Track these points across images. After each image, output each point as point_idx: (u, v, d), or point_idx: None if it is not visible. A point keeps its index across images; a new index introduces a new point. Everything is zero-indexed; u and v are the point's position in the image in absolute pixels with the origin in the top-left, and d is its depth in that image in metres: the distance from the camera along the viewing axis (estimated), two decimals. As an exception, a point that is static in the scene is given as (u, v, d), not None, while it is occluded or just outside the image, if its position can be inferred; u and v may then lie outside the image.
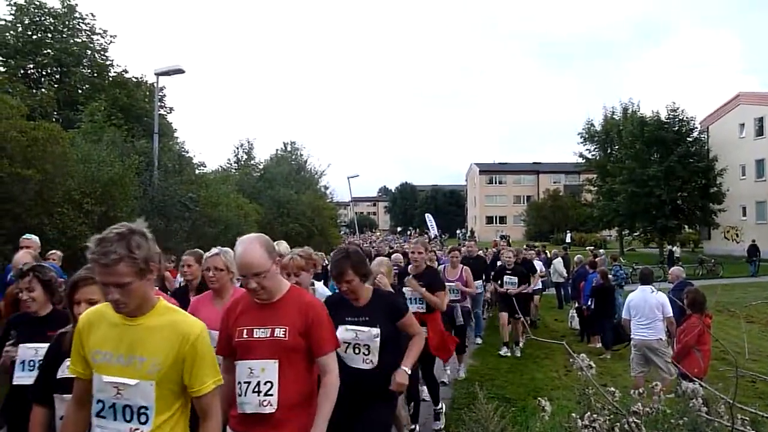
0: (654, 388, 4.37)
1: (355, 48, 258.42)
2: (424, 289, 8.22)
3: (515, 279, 14.27)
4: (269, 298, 4.00)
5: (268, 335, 3.93)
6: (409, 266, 9.27)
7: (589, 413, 4.33)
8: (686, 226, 51.24)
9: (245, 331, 3.97)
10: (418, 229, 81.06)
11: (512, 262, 14.68)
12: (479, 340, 15.50)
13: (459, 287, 11.41)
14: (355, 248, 5.23)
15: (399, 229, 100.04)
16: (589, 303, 15.61)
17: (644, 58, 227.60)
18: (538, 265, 19.77)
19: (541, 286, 19.68)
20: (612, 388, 4.38)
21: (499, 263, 15.49)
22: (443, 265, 12.54)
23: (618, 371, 12.17)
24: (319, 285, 7.04)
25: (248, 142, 40.85)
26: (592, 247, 36.92)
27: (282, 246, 7.50)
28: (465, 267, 11.94)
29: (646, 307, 10.19)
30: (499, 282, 14.55)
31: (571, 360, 4.70)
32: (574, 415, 4.46)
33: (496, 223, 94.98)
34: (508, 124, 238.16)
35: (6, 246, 11.11)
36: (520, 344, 14.56)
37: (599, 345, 15.10)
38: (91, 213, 15.28)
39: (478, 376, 11.52)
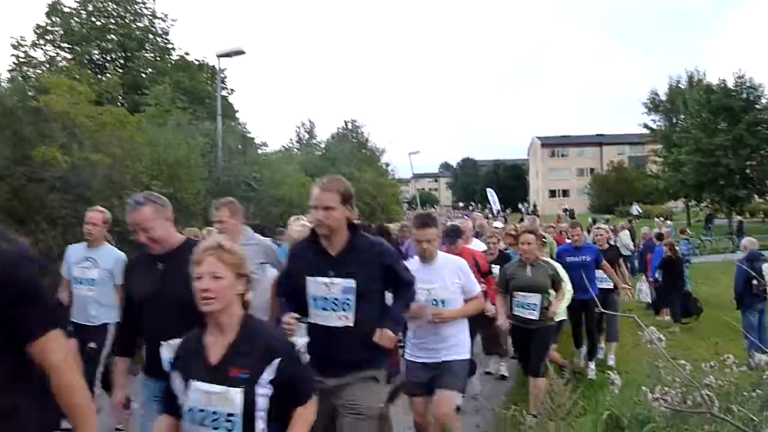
0: (726, 361, 4.32)
1: (414, 24, 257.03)
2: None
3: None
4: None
5: None
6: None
7: (659, 386, 4.30)
8: (756, 196, 49.90)
9: None
10: (479, 205, 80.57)
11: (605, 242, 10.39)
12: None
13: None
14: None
15: (461, 204, 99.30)
16: (657, 275, 15.39)
17: (712, 29, 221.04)
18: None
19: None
20: (682, 361, 4.35)
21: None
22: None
23: (687, 344, 11.94)
24: None
25: (309, 121, 41.32)
26: (661, 219, 36.22)
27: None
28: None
29: None
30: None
31: (639, 333, 4.67)
32: (644, 388, 4.44)
33: (559, 196, 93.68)
34: (570, 96, 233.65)
35: (78, 228, 11.40)
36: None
37: (668, 318, 14.83)
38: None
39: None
